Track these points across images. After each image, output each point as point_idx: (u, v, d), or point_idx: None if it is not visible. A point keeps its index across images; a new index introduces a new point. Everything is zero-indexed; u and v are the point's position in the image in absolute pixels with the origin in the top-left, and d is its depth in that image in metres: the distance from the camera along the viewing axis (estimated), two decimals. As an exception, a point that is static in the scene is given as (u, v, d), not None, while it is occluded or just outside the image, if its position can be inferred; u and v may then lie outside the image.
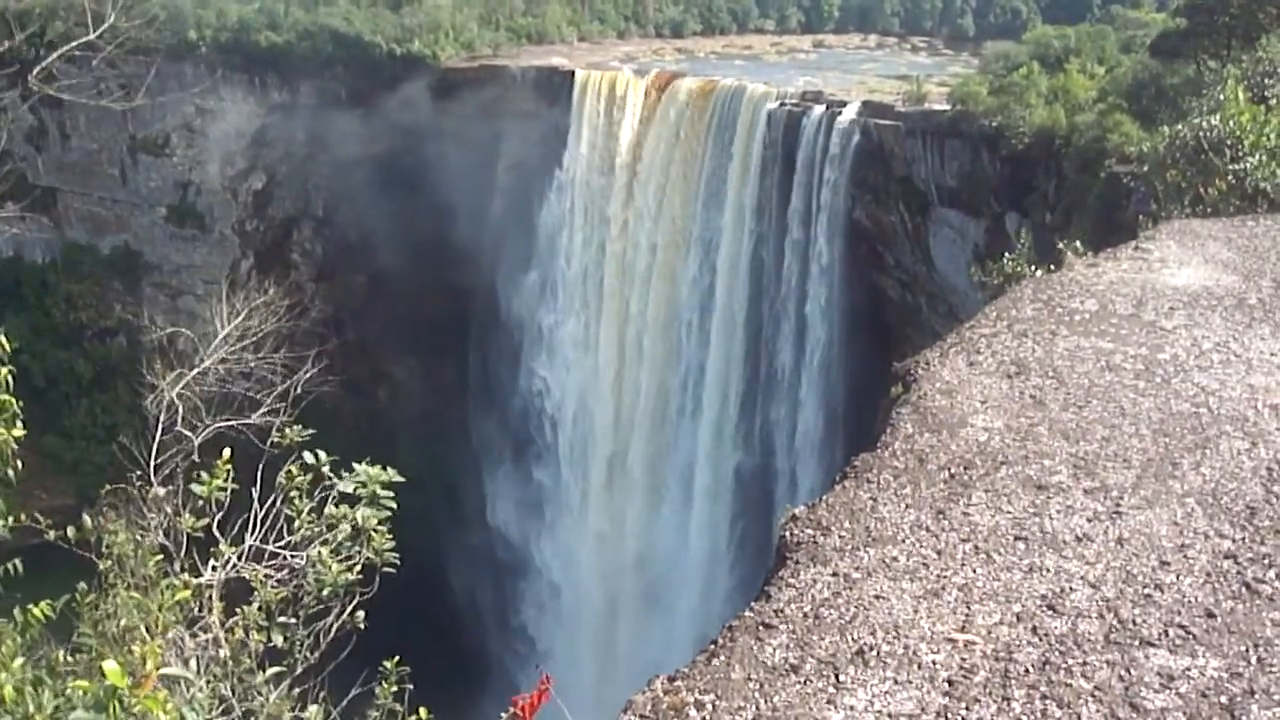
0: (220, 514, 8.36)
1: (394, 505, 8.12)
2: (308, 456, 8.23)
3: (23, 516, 8.28)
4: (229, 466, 8.26)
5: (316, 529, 8.16)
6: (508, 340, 71.76)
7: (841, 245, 55.77)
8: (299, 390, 17.01)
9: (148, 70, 65.58)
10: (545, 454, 70.55)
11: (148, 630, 6.80)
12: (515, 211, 67.59)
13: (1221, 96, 19.11)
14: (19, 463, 7.54)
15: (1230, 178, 15.20)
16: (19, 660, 6.32)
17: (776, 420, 59.31)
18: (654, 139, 61.61)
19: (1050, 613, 6.03)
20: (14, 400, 7.37)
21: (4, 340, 7.73)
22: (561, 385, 69.10)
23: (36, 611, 6.89)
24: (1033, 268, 14.96)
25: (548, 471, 70.49)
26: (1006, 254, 17.12)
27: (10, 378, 7.44)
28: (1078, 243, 14.93)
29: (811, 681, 5.54)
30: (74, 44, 16.59)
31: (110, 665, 5.08)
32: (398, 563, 8.12)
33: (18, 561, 7.77)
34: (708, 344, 61.24)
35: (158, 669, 5.56)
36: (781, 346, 58.45)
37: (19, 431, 7.38)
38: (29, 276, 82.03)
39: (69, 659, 7.10)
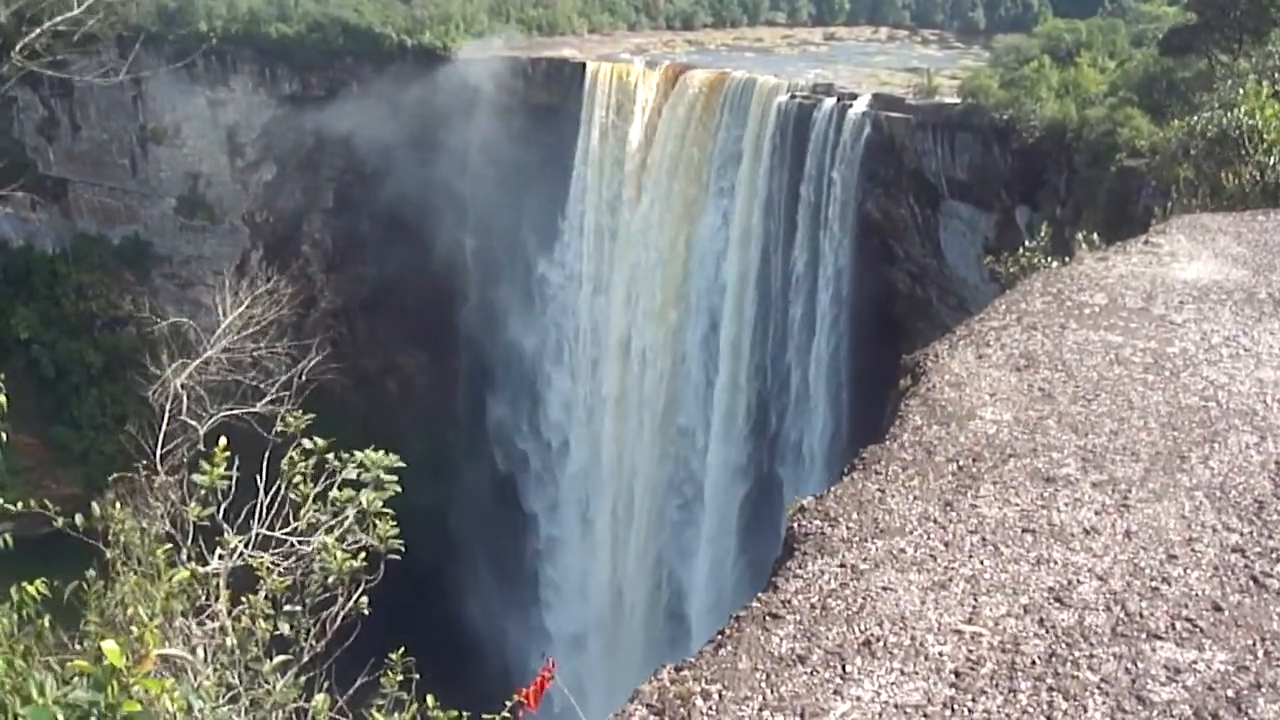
0: (226, 502, 8.37)
1: (399, 488, 8.14)
2: (307, 443, 8.24)
3: (32, 504, 8.29)
4: (228, 454, 8.26)
5: (322, 515, 8.17)
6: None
7: (851, 238, 55.64)
8: (304, 379, 17.01)
9: (155, 58, 65.67)
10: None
11: (149, 615, 6.79)
12: (524, 203, 67.59)
13: (1240, 91, 18.99)
14: (3, 435, 7.54)
15: (1252, 169, 15.16)
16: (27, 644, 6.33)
17: (787, 415, 59.34)
18: (664, 131, 61.46)
19: (1057, 605, 6.01)
20: None
21: None
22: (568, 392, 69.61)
23: (31, 589, 6.87)
24: (1048, 259, 14.92)
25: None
26: (1024, 245, 17.07)
27: None
28: (1094, 235, 14.89)
29: (818, 672, 5.53)
30: (58, 19, 16.48)
31: (109, 645, 5.08)
32: (402, 549, 8.13)
33: (7, 536, 7.75)
34: (718, 337, 61.16)
35: (156, 648, 5.57)
36: (791, 339, 58.32)
37: None
38: (39, 267, 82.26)
39: (79, 646, 7.11)
